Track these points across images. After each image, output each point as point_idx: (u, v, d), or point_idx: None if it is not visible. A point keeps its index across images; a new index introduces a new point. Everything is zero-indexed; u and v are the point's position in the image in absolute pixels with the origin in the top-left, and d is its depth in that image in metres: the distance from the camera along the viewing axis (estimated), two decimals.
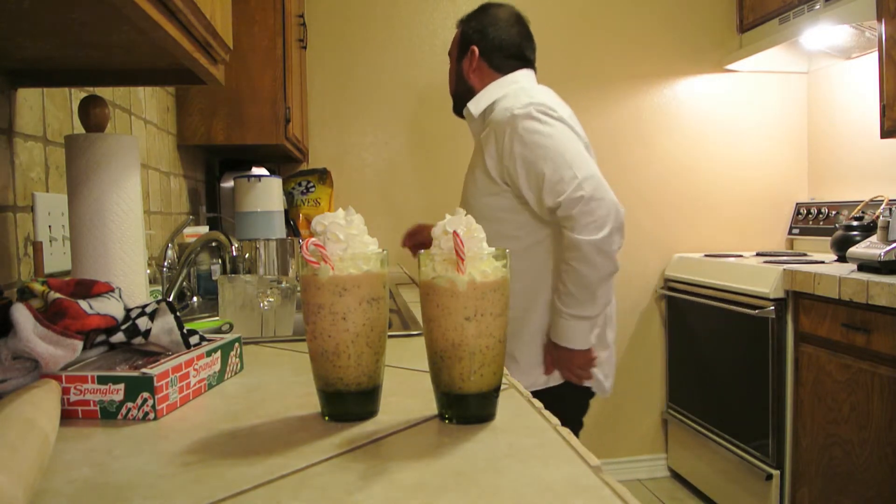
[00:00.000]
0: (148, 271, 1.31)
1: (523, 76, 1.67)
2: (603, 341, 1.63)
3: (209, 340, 0.81)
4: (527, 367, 1.60)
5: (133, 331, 0.74)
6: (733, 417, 2.41)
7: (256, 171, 2.32)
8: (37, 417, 0.53)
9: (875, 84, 2.18)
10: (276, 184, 2.23)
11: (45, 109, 1.16)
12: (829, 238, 2.38)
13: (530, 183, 1.49)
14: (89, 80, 1.13)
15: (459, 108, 1.73)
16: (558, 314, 1.51)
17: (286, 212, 2.35)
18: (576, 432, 1.64)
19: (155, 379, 0.66)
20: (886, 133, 2.14)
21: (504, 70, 1.67)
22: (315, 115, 2.71)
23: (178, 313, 0.77)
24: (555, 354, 1.56)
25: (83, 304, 0.70)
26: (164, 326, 0.75)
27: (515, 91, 1.60)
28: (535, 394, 1.39)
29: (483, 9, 1.72)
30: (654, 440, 2.94)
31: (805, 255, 2.68)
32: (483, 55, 1.67)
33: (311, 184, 2.44)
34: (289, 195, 2.43)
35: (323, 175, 2.49)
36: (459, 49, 1.72)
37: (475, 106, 1.65)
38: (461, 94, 1.72)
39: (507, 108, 1.54)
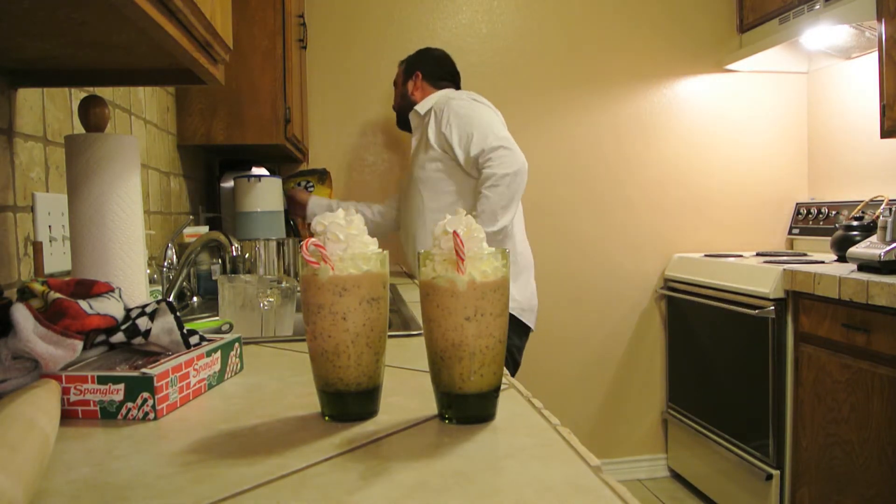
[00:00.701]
0: (148, 271, 1.31)
1: (451, 89, 2.25)
2: (528, 286, 2.12)
3: (209, 340, 0.81)
4: None
5: (133, 331, 0.74)
6: (733, 417, 2.41)
7: (256, 171, 2.32)
8: (37, 417, 0.53)
9: (875, 84, 2.18)
10: (276, 184, 2.23)
11: (45, 109, 1.16)
12: (829, 238, 2.38)
13: (462, 141, 1.98)
14: (89, 80, 1.13)
15: (404, 119, 2.25)
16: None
17: (286, 212, 2.35)
18: (516, 368, 2.11)
19: (155, 379, 0.66)
20: (886, 133, 2.14)
21: (439, 87, 2.23)
22: (315, 115, 2.71)
23: (178, 313, 0.77)
24: None
25: (83, 304, 0.70)
26: (164, 326, 0.75)
27: (452, 93, 2.18)
28: None
29: (424, 49, 2.31)
30: (654, 440, 2.94)
31: (805, 255, 2.68)
32: (425, 77, 2.23)
33: (311, 184, 2.44)
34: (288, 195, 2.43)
35: (323, 175, 2.49)
36: (405, 76, 2.26)
37: (422, 107, 2.15)
38: (406, 108, 2.23)
39: (448, 100, 2.10)
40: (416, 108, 2.17)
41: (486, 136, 1.95)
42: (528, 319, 2.09)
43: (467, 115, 2.01)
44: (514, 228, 2.07)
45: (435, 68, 2.26)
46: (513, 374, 2.06)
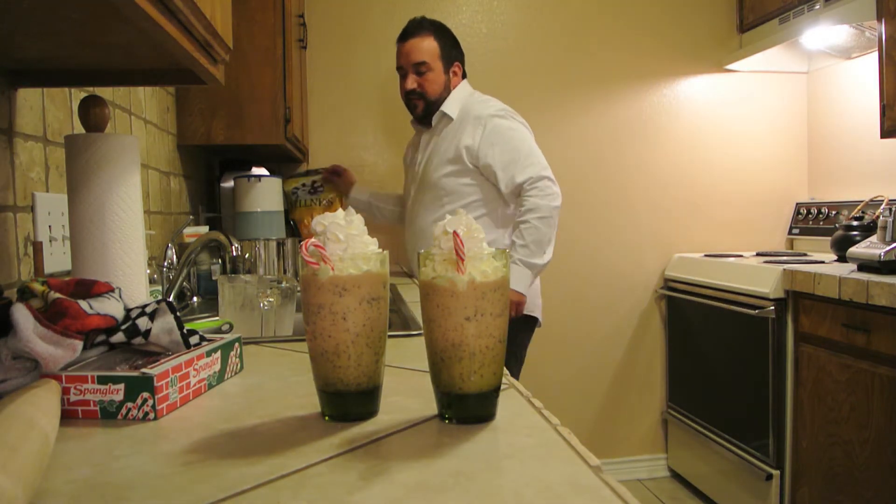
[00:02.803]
0: (148, 271, 1.31)
1: (468, 85, 2.13)
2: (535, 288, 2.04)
3: (209, 340, 0.81)
4: None
5: (133, 331, 0.74)
6: (733, 417, 2.41)
7: (256, 171, 2.32)
8: (37, 417, 0.53)
9: (875, 84, 2.18)
10: (276, 184, 2.23)
11: (45, 109, 1.16)
12: (829, 238, 2.38)
13: (506, 166, 1.91)
14: (89, 80, 1.13)
15: (430, 112, 2.06)
16: (512, 262, 1.82)
17: (286, 212, 2.35)
18: (522, 360, 2.07)
19: (155, 379, 0.66)
20: (886, 133, 2.14)
21: (463, 77, 2.13)
22: (315, 115, 2.71)
23: (178, 313, 0.77)
24: (521, 305, 1.94)
25: (83, 304, 0.70)
26: (164, 326, 0.75)
27: (478, 96, 2.08)
28: None
29: (443, 25, 2.12)
30: (654, 440, 2.94)
31: (805, 255, 2.67)
32: (461, 74, 2.10)
33: (319, 184, 2.42)
34: (291, 195, 2.42)
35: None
36: (444, 62, 2.05)
37: (450, 109, 2.03)
38: (441, 100, 2.05)
39: (484, 109, 1.99)
40: (445, 109, 2.03)
41: (532, 164, 1.90)
42: (535, 312, 2.07)
43: (512, 139, 1.93)
44: None
45: (462, 55, 2.12)
46: (517, 374, 1.99)
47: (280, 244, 1.78)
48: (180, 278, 1.50)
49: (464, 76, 2.12)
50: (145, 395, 0.66)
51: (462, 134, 1.97)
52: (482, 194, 1.99)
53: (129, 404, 0.66)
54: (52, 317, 0.66)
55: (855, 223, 2.26)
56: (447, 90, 2.05)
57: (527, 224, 1.87)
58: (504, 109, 1.99)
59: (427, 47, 2.03)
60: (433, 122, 2.06)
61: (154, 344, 0.75)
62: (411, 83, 2.03)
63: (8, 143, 1.04)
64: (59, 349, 0.65)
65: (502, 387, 0.68)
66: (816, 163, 2.94)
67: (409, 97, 2.05)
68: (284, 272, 1.75)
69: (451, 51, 2.07)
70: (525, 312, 1.99)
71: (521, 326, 2.01)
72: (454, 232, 0.62)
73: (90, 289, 0.75)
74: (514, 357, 2.04)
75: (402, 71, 2.06)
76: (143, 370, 0.66)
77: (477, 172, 1.96)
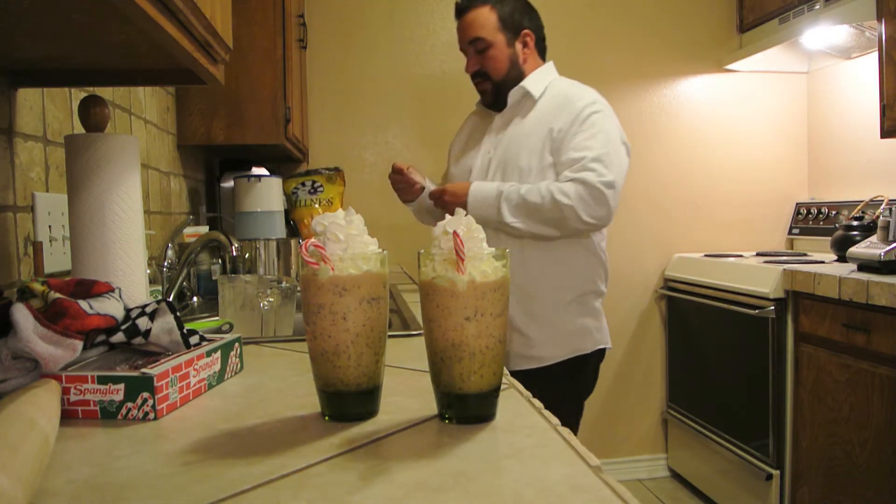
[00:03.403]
0: (148, 271, 1.31)
1: (552, 67, 1.83)
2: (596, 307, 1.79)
3: (209, 340, 0.81)
4: (551, 340, 1.72)
5: (133, 331, 0.74)
6: (733, 417, 2.41)
7: (256, 171, 2.32)
8: (37, 417, 0.53)
9: (875, 84, 2.18)
10: (276, 184, 2.23)
11: (45, 109, 1.16)
12: (829, 238, 2.38)
13: (574, 148, 1.62)
14: (89, 80, 1.13)
15: (502, 94, 1.75)
16: (507, 191, 1.63)
17: (286, 212, 2.35)
18: (589, 393, 1.82)
19: (155, 379, 0.66)
20: (886, 133, 2.14)
21: (544, 58, 1.83)
22: (315, 115, 2.71)
23: (178, 313, 0.77)
24: (447, 192, 1.70)
25: (83, 304, 0.70)
26: (164, 326, 0.75)
27: (570, 81, 1.79)
28: (563, 363, 1.71)
29: None
30: (654, 440, 2.94)
31: (805, 255, 2.67)
32: (536, 43, 1.78)
33: (319, 184, 2.42)
34: (291, 195, 2.42)
35: (332, 175, 2.47)
36: (509, 32, 1.73)
37: (535, 87, 1.73)
38: (513, 79, 1.75)
39: (581, 96, 1.70)
40: (527, 86, 1.72)
41: (608, 163, 1.60)
42: (606, 341, 1.79)
43: (599, 132, 1.63)
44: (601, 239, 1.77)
45: (541, 31, 1.80)
46: (577, 427, 1.79)
47: (280, 244, 1.78)
48: (180, 278, 1.50)
49: (541, 47, 1.81)
50: (145, 395, 0.66)
51: (551, 117, 1.68)
52: None
53: (129, 404, 0.66)
54: (52, 317, 0.66)
55: (855, 223, 2.26)
56: (517, 66, 1.74)
57: (560, 189, 1.57)
58: (600, 101, 1.70)
59: (482, 20, 1.71)
60: (509, 102, 1.75)
61: (154, 344, 0.75)
62: (472, 64, 1.75)
63: (8, 143, 1.04)
64: (59, 349, 0.65)
65: (502, 387, 0.68)
66: (816, 163, 2.94)
67: (475, 81, 1.79)
68: (285, 272, 1.75)
69: (516, 18, 1.73)
70: (596, 347, 1.74)
71: (593, 359, 1.76)
72: (454, 232, 0.62)
73: (90, 289, 0.75)
74: (575, 401, 1.77)
75: (464, 52, 1.79)
76: (143, 370, 0.66)
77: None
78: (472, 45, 1.72)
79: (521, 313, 1.71)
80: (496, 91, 1.76)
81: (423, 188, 1.78)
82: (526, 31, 1.74)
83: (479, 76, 1.75)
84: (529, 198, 1.60)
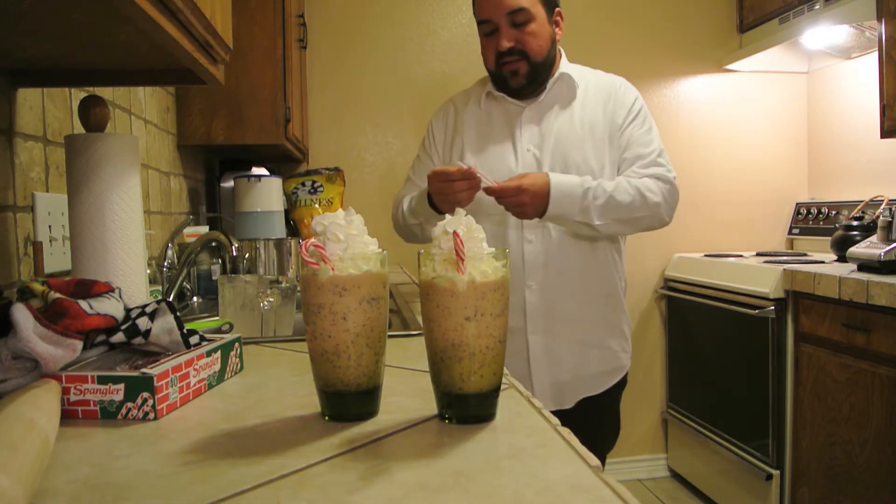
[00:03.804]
0: (148, 271, 1.31)
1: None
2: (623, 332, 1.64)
3: (209, 340, 0.81)
4: (626, 345, 1.63)
5: (133, 331, 0.74)
6: (733, 417, 2.41)
7: (256, 171, 2.32)
8: (37, 417, 0.53)
9: (875, 84, 2.18)
10: (276, 184, 2.23)
11: (45, 109, 1.16)
12: (829, 238, 2.38)
13: (639, 142, 1.50)
14: (89, 80, 1.13)
15: (538, 78, 1.51)
16: (593, 188, 1.40)
17: (286, 212, 2.35)
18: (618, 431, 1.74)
19: (155, 379, 0.66)
20: (886, 133, 2.14)
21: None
22: (315, 115, 2.71)
23: (178, 313, 0.77)
24: (525, 190, 1.36)
25: (83, 304, 0.70)
26: (164, 326, 0.75)
27: (591, 70, 1.63)
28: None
29: None
30: (654, 440, 2.94)
31: (805, 255, 2.67)
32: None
33: (319, 184, 2.42)
34: (292, 195, 2.42)
35: (332, 175, 2.48)
36: (546, 7, 1.49)
37: (577, 75, 1.55)
38: (549, 62, 1.52)
39: (622, 88, 1.57)
40: (570, 72, 1.54)
41: (663, 164, 1.51)
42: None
43: (651, 125, 1.56)
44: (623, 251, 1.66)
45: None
46: (614, 442, 1.76)
47: (280, 244, 1.78)
48: (180, 278, 1.50)
49: None
50: (145, 395, 0.66)
51: (604, 109, 1.53)
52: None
53: (129, 404, 0.66)
54: (52, 317, 0.66)
55: (855, 223, 2.26)
56: (555, 47, 1.53)
57: (640, 183, 1.45)
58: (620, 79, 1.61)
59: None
60: (549, 88, 1.52)
61: (154, 344, 0.75)
62: (507, 39, 1.45)
63: (8, 143, 1.04)
64: (59, 349, 0.65)
65: (502, 387, 0.68)
66: (816, 163, 2.94)
67: (505, 60, 1.47)
68: (285, 272, 1.75)
69: None
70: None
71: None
72: (454, 232, 0.62)
73: (90, 289, 0.75)
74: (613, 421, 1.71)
75: (490, 25, 1.47)
76: (143, 370, 0.66)
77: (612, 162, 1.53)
78: (510, 17, 1.43)
79: (600, 326, 1.57)
80: (532, 73, 1.48)
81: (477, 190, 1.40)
82: (559, 10, 1.53)
83: (515, 54, 1.46)
84: (619, 196, 1.41)
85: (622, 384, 1.64)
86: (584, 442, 0.57)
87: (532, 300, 1.52)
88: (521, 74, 1.49)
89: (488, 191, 1.36)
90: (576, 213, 1.40)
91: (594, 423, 1.62)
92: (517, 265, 1.52)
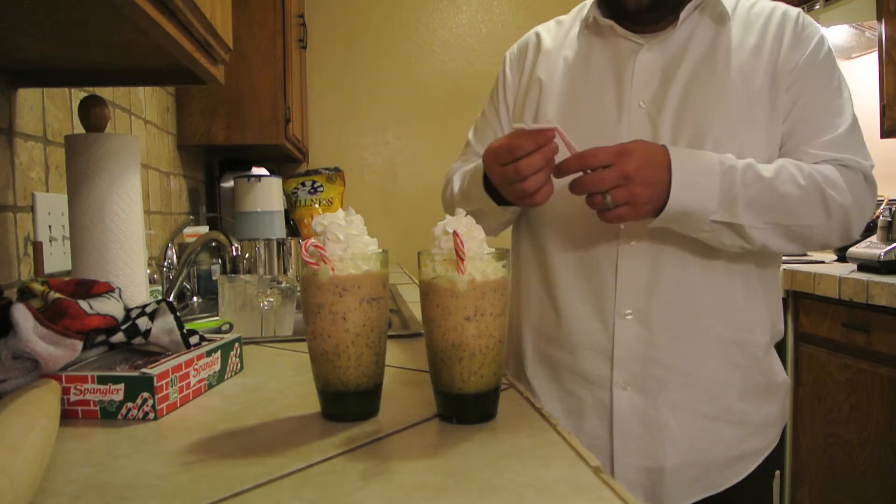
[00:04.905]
0: (148, 271, 1.31)
1: None
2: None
3: (209, 340, 0.81)
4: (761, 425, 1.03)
5: (133, 331, 0.74)
6: None
7: (256, 171, 2.32)
8: (37, 417, 0.53)
9: (875, 84, 2.18)
10: (276, 184, 2.23)
11: (45, 109, 1.16)
12: None
13: (823, 110, 0.97)
14: (89, 80, 1.13)
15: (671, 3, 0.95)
16: (741, 169, 0.87)
17: (286, 212, 2.35)
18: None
19: (155, 379, 0.66)
20: (886, 133, 2.14)
21: None
22: (315, 115, 2.71)
23: (178, 313, 0.77)
24: (624, 151, 0.83)
25: (83, 304, 0.70)
26: (164, 326, 0.75)
27: None
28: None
29: None
30: None
31: (805, 254, 2.67)
32: None
33: (319, 184, 2.42)
34: (292, 195, 2.42)
35: (332, 175, 2.48)
36: None
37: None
38: None
39: (801, 20, 0.98)
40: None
41: (860, 147, 1.02)
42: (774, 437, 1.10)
43: (841, 81, 0.99)
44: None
45: None
46: None
47: (280, 244, 1.78)
48: (180, 278, 1.50)
49: None
50: (145, 395, 0.66)
51: (768, 53, 0.95)
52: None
53: (129, 404, 0.66)
54: (52, 317, 0.66)
55: None
56: None
57: (817, 171, 0.91)
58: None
59: None
60: (682, 18, 0.96)
61: (154, 344, 0.75)
62: None
63: (8, 143, 1.04)
64: (59, 349, 0.65)
65: (502, 387, 0.68)
66: None
67: None
68: (285, 272, 1.75)
69: None
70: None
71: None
72: (454, 232, 0.62)
73: (90, 289, 0.75)
74: None
75: None
76: (143, 370, 0.66)
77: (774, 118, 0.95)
78: None
79: (740, 380, 0.99)
80: None
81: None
82: None
83: None
84: (782, 186, 0.88)
85: (768, 468, 1.05)
86: None
87: (625, 337, 0.97)
88: None
89: (564, 166, 0.83)
90: (713, 208, 0.85)
91: None
92: (606, 283, 0.98)
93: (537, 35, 1.15)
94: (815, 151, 0.94)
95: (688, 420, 0.96)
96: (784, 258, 2.45)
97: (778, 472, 1.22)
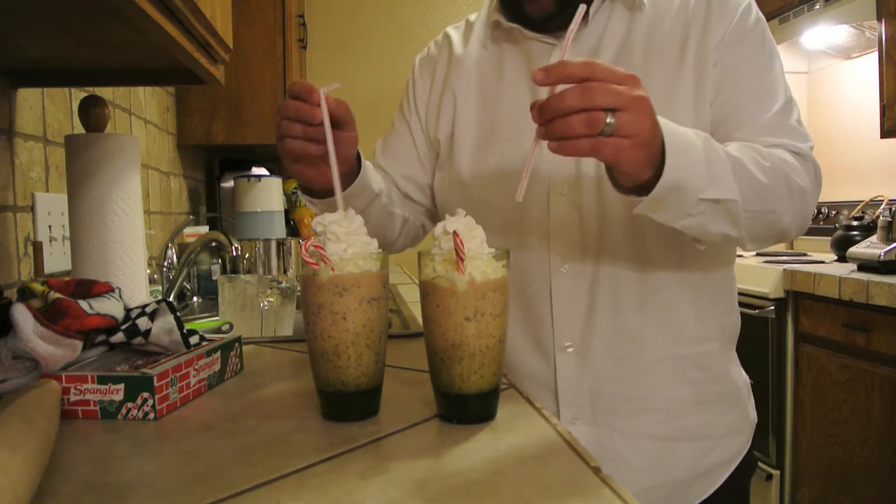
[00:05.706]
0: (148, 271, 1.31)
1: None
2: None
3: (209, 340, 0.81)
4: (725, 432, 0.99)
5: (133, 331, 0.74)
6: None
7: (256, 171, 2.32)
8: (37, 417, 0.53)
9: (875, 84, 2.18)
10: (276, 184, 2.23)
11: (45, 109, 1.16)
12: (829, 238, 2.38)
13: (759, 90, 0.90)
14: (89, 80, 1.13)
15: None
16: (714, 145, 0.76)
17: (286, 212, 2.35)
18: None
19: (155, 379, 0.66)
20: (886, 133, 2.14)
21: None
22: None
23: (178, 313, 0.77)
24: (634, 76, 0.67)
25: (83, 304, 0.70)
26: (164, 326, 0.75)
27: None
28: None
29: None
30: None
31: (805, 255, 2.67)
32: None
33: None
34: (291, 195, 2.42)
35: None
36: None
37: None
38: None
39: None
40: None
41: (799, 131, 0.88)
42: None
43: (772, 55, 0.94)
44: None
45: None
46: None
47: (280, 244, 1.78)
48: (180, 278, 1.50)
49: None
50: (145, 395, 0.66)
51: (689, 30, 0.88)
52: None
53: (129, 404, 0.66)
54: (52, 317, 0.66)
55: (855, 223, 2.26)
56: None
57: (773, 154, 0.81)
58: None
59: None
60: (592, 12, 0.91)
61: (154, 344, 0.75)
62: None
63: (8, 143, 1.04)
64: (59, 349, 0.65)
65: (502, 387, 0.68)
66: None
67: None
68: (285, 272, 1.75)
69: None
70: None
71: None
72: (454, 232, 0.62)
73: (90, 289, 0.75)
74: None
75: None
76: (143, 370, 0.66)
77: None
78: None
79: (693, 395, 0.96)
80: None
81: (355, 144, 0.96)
82: None
83: None
84: (752, 166, 0.78)
85: (744, 471, 1.00)
86: None
87: (567, 372, 0.92)
88: None
89: (568, 70, 0.64)
90: (703, 184, 0.72)
91: None
92: (543, 316, 0.93)
93: (447, 37, 1.08)
94: (757, 136, 0.85)
95: (642, 446, 0.92)
96: (784, 258, 2.45)
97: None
